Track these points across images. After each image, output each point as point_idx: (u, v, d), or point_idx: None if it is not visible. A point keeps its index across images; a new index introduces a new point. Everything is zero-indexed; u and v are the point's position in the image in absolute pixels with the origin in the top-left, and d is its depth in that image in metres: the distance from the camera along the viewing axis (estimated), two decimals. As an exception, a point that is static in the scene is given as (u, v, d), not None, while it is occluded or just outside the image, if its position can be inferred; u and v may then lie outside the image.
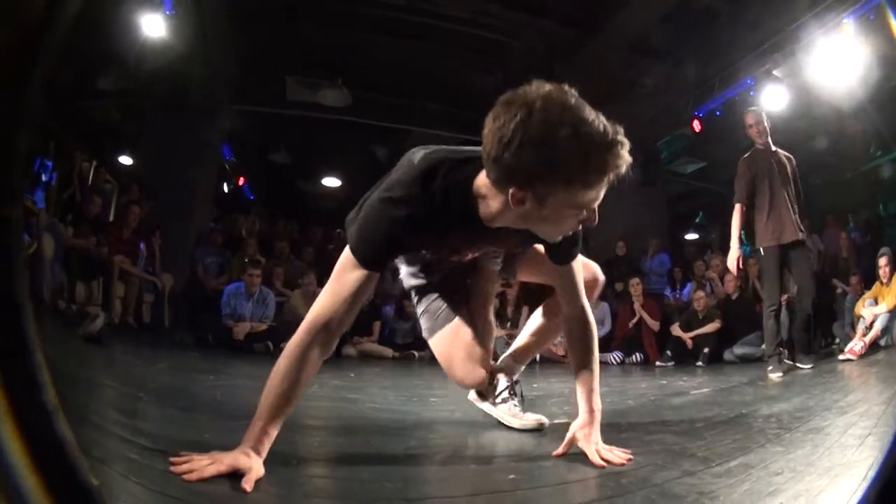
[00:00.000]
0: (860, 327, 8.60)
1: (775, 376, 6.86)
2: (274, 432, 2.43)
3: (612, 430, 3.21)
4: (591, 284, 3.25)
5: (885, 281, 8.77)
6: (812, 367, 7.23)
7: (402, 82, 12.71)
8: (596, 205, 2.32)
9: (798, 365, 7.44)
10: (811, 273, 7.71)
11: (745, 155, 7.62)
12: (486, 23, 11.75)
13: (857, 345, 8.21)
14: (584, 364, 2.89)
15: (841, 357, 8.19)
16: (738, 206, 7.38)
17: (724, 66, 11.52)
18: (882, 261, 8.84)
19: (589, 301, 2.98)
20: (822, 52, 9.35)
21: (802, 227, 7.33)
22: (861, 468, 2.37)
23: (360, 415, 4.09)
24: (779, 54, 10.22)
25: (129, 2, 9.33)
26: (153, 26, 9.54)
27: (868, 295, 8.95)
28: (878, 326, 8.40)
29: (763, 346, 8.23)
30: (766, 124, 7.55)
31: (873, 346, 8.31)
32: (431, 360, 9.24)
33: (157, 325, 9.66)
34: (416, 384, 6.66)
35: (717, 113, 11.92)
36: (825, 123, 10.97)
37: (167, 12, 9.60)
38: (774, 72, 10.35)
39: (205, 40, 10.59)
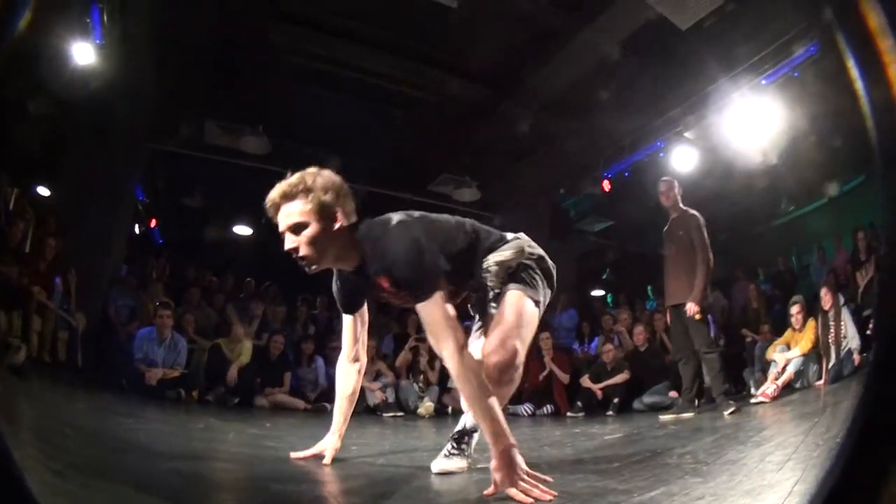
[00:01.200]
0: (772, 371, 9.00)
1: (666, 418, 7.66)
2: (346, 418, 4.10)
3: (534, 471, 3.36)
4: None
5: (797, 327, 9.20)
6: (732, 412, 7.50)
7: (321, 132, 12.77)
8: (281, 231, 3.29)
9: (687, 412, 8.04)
10: (700, 327, 8.07)
11: (665, 226, 8.37)
12: (404, 79, 11.94)
13: (769, 388, 8.60)
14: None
15: (753, 401, 8.58)
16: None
17: (636, 127, 11.87)
18: (795, 308, 9.28)
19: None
20: (736, 113, 9.77)
21: (700, 303, 7.84)
22: (784, 486, 2.56)
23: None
24: (691, 116, 10.62)
25: (62, 28, 9.14)
26: (82, 54, 9.38)
27: (779, 341, 9.38)
28: (790, 370, 8.82)
29: (674, 396, 8.72)
30: (675, 191, 8.06)
31: (786, 389, 8.68)
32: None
33: (72, 363, 9.36)
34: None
35: (626, 174, 12.27)
36: (734, 182, 11.35)
37: (97, 41, 9.46)
38: (686, 133, 10.74)
39: (129, 74, 10.43)
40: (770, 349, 9.42)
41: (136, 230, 15.50)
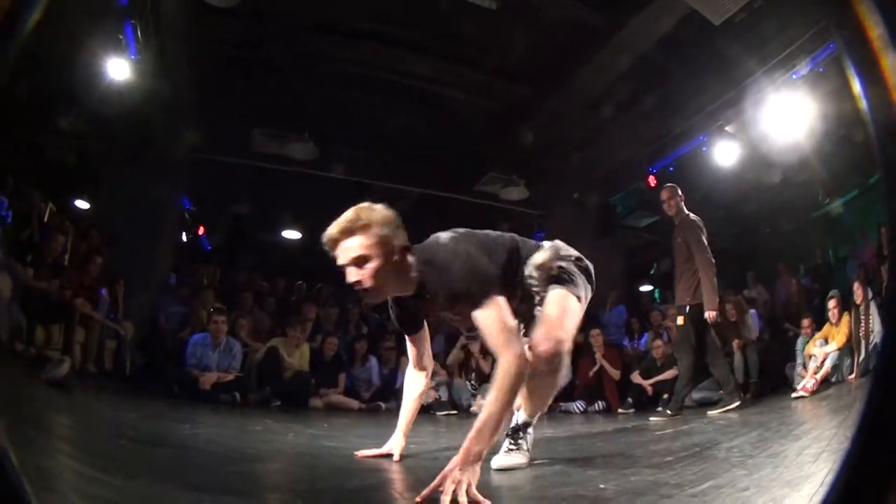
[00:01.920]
0: (811, 366, 8.97)
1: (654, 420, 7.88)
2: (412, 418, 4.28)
3: (589, 467, 3.45)
4: None
5: (834, 321, 9.17)
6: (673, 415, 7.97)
7: (366, 137, 12.86)
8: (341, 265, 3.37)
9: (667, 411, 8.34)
10: (682, 336, 8.30)
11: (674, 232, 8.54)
12: (448, 81, 12.00)
13: (808, 382, 8.62)
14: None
15: (794, 395, 8.60)
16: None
17: (679, 122, 11.87)
18: (831, 302, 9.25)
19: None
20: (772, 107, 9.73)
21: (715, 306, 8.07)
22: (818, 476, 2.65)
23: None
24: (731, 111, 10.58)
25: (94, 43, 9.25)
26: (117, 70, 9.43)
27: (818, 336, 9.33)
28: (828, 364, 8.81)
29: (720, 391, 8.76)
30: (678, 199, 8.15)
31: (825, 383, 8.67)
32: (398, 411, 9.33)
33: (120, 372, 9.46)
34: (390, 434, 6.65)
35: (670, 169, 12.21)
36: (774, 175, 11.28)
37: (132, 56, 9.52)
38: (727, 128, 10.71)
39: (169, 87, 10.53)
40: (810, 343, 9.41)
41: (184, 238, 15.75)
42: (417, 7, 10.42)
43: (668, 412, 8.24)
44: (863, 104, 1.30)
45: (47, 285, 8.68)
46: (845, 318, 9.11)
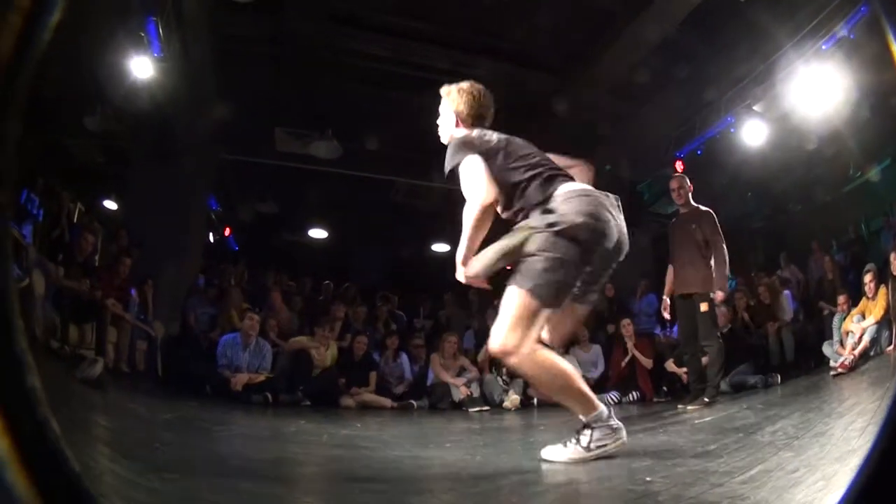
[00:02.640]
0: (849, 342, 8.84)
1: (690, 407, 7.64)
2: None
3: (633, 461, 3.37)
4: None
5: (870, 296, 9.03)
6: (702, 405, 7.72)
7: (390, 133, 12.84)
8: None
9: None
10: (707, 320, 8.10)
11: (673, 220, 8.56)
12: (469, 73, 11.93)
13: (847, 358, 8.53)
14: None
15: (833, 373, 8.49)
16: (669, 266, 8.47)
17: (704, 104, 11.74)
18: (867, 277, 9.11)
19: None
20: (801, 81, 9.59)
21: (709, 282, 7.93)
22: (865, 449, 2.57)
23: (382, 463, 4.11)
24: (758, 88, 10.45)
25: (117, 42, 9.27)
26: (141, 68, 9.45)
27: (855, 311, 9.19)
28: (866, 339, 8.68)
29: (758, 376, 8.96)
30: (687, 188, 8.10)
31: (863, 358, 8.55)
32: (431, 409, 9.27)
33: (152, 373, 9.54)
34: (425, 432, 6.66)
35: (698, 152, 12.10)
36: (804, 152, 11.16)
37: (156, 55, 9.49)
38: (754, 107, 10.58)
39: (192, 86, 10.62)
40: (847, 320, 9.26)
41: (211, 239, 15.83)
42: (438, 1, 10.40)
43: (706, 399, 8.13)
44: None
45: (78, 285, 8.71)
46: (882, 291, 8.95)
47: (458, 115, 4.24)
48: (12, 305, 1.13)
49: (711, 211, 8.10)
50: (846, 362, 8.50)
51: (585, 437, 3.63)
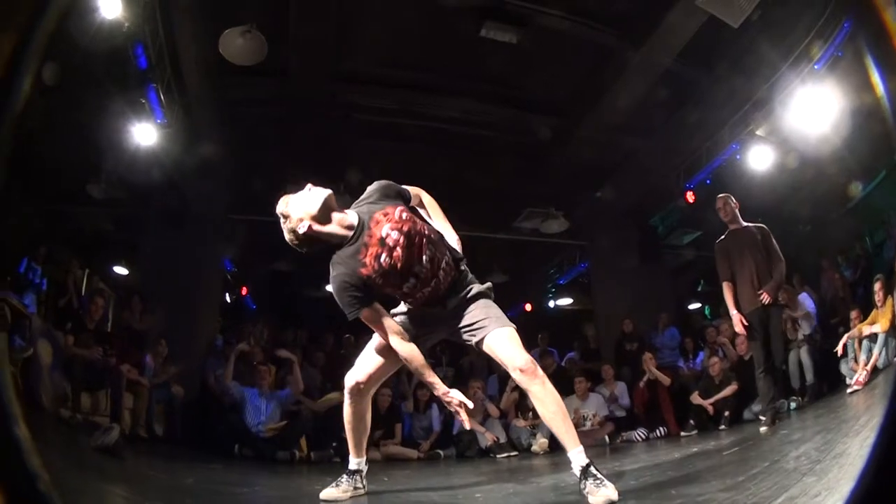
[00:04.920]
0: (861, 358, 8.78)
1: (763, 430, 7.28)
2: None
3: (663, 499, 3.37)
4: None
5: (880, 305, 8.96)
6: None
7: (401, 183, 12.90)
8: None
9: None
10: (778, 334, 8.06)
11: (720, 238, 8.28)
12: (474, 120, 12.04)
13: (860, 374, 8.47)
14: None
15: (849, 391, 8.44)
16: (725, 284, 8.04)
17: (709, 134, 11.78)
18: (876, 286, 9.07)
19: None
20: (798, 102, 9.64)
21: (773, 293, 7.79)
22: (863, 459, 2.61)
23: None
24: (759, 113, 10.49)
25: (118, 109, 9.34)
26: (144, 135, 9.54)
27: (866, 322, 9.11)
28: (875, 351, 8.60)
29: (781, 401, 8.61)
30: (732, 206, 8.10)
31: (875, 372, 8.50)
32: (459, 458, 9.23)
33: (171, 436, 9.52)
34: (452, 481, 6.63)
35: (707, 182, 12.11)
36: (808, 172, 11.17)
37: (158, 121, 9.59)
38: (757, 132, 10.62)
39: (199, 150, 10.67)
40: (857, 333, 9.20)
41: (228, 299, 15.84)
42: (440, 50, 10.51)
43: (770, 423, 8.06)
44: (881, 92, 1.26)
45: (90, 352, 8.66)
46: (889, 300, 8.90)
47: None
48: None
49: (763, 225, 8.14)
50: (860, 379, 8.46)
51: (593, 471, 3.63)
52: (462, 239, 4.30)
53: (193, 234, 11.51)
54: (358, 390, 4.51)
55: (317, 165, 11.92)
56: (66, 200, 11.49)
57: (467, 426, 4.04)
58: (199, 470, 6.91)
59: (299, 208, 4.02)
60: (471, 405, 3.99)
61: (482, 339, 3.94)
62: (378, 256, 3.92)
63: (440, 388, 4.02)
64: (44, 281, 10.02)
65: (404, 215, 4.04)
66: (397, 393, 11.00)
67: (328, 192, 4.03)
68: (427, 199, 4.37)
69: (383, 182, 4.25)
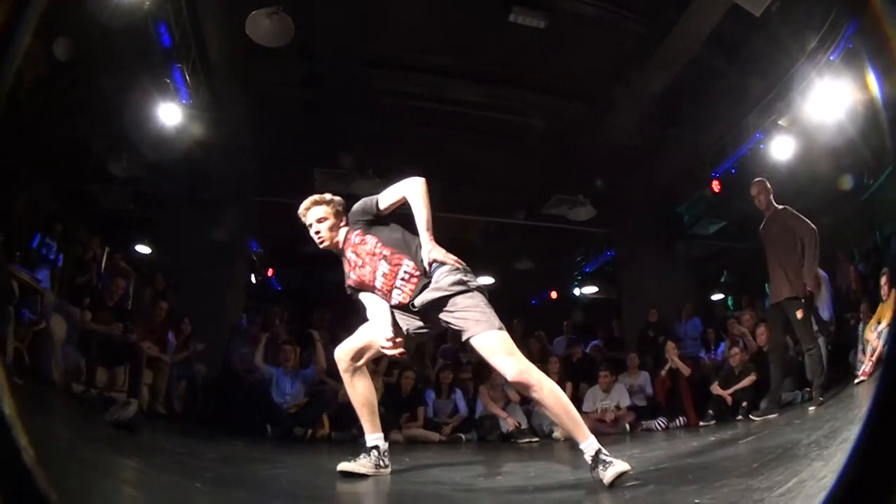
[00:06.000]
0: (868, 349, 8.77)
1: (812, 409, 7.53)
2: None
3: (681, 484, 3.41)
4: None
5: (885, 299, 8.93)
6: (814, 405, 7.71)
7: (430, 168, 12.92)
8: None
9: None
10: (802, 325, 8.11)
11: (762, 225, 8.34)
12: (503, 106, 12.04)
13: (866, 366, 8.42)
14: None
15: (856, 381, 8.44)
16: None
17: (734, 124, 11.75)
18: (882, 280, 9.02)
19: None
20: (815, 92, 9.60)
21: (799, 283, 7.94)
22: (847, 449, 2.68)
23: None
24: (781, 103, 10.45)
25: (143, 89, 9.43)
26: (169, 115, 9.61)
27: (874, 318, 9.08)
28: (880, 344, 8.57)
29: (796, 392, 8.98)
30: (767, 192, 8.10)
31: (879, 362, 8.51)
32: (480, 443, 9.26)
33: (191, 413, 9.53)
34: (476, 464, 6.63)
35: (732, 171, 12.07)
36: (826, 163, 11.11)
37: (183, 101, 9.71)
38: (780, 122, 10.58)
39: (226, 131, 10.81)
40: (867, 328, 9.18)
41: (253, 280, 15.96)
42: (469, 34, 10.50)
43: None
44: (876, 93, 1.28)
45: (108, 328, 8.70)
46: (893, 293, 8.88)
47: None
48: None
49: (787, 206, 8.12)
50: (866, 370, 8.45)
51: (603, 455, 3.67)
52: (487, 225, 4.39)
53: (218, 214, 11.54)
54: (353, 365, 4.75)
55: (344, 150, 11.99)
56: (88, 178, 11.55)
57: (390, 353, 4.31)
58: (220, 446, 6.87)
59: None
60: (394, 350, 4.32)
61: (469, 341, 4.00)
62: (349, 274, 4.66)
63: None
64: (59, 257, 10.06)
65: (357, 239, 4.57)
66: (420, 377, 11.04)
67: None
68: (414, 194, 4.35)
69: (354, 207, 4.69)
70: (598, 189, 14.13)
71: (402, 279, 4.28)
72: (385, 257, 4.36)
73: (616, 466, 3.54)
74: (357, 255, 4.52)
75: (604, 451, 3.68)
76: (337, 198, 4.89)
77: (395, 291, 4.31)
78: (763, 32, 9.47)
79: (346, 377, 4.76)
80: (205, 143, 10.51)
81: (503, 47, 10.77)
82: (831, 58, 9.23)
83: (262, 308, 13.20)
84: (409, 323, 4.43)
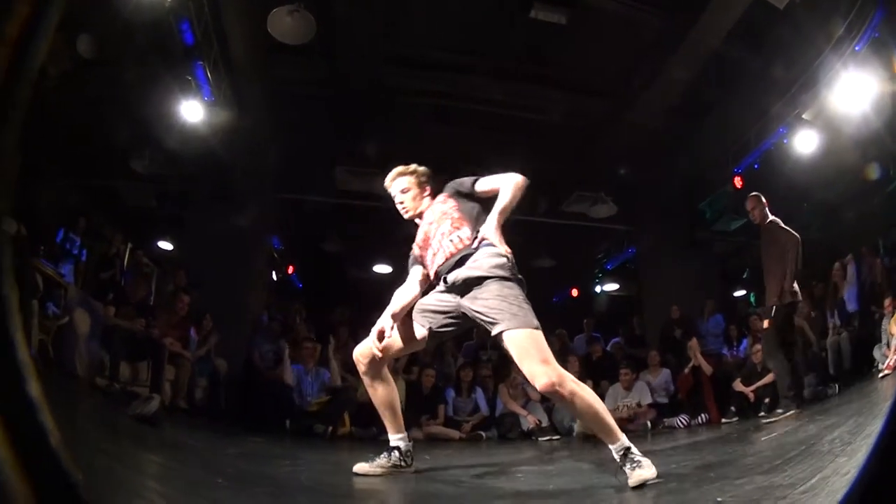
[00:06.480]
0: (893, 344, 8.71)
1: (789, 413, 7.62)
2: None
3: (703, 482, 3.40)
4: None
5: None
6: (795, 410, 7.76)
7: (449, 166, 12.93)
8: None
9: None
10: (765, 336, 8.47)
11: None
12: (523, 103, 12.02)
13: (891, 359, 8.39)
14: None
15: (880, 375, 8.46)
16: None
17: (757, 118, 11.70)
18: None
19: None
20: (841, 84, 9.53)
21: (791, 291, 8.05)
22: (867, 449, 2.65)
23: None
24: (805, 96, 10.39)
25: (165, 86, 9.48)
26: (191, 112, 9.65)
27: (894, 319, 9.05)
28: None
29: (818, 388, 9.17)
30: (761, 207, 8.34)
31: None
32: (500, 440, 9.23)
33: (213, 409, 9.52)
34: (496, 461, 6.54)
35: (755, 166, 12.01)
36: (851, 156, 11.04)
37: (206, 98, 9.75)
38: (804, 115, 10.51)
39: (247, 128, 10.83)
40: (892, 322, 9.12)
41: (275, 277, 15.98)
42: (490, 31, 10.49)
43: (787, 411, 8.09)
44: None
45: (131, 323, 8.74)
46: None
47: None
48: (12, 317, 1.20)
49: (777, 219, 8.24)
50: (890, 363, 8.42)
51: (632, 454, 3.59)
52: (508, 222, 4.32)
53: (240, 212, 11.48)
54: (373, 366, 4.58)
55: (364, 147, 12.00)
56: (111, 175, 11.62)
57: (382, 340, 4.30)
58: (241, 443, 6.89)
59: None
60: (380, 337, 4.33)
61: (499, 336, 3.78)
62: (417, 234, 4.69)
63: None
64: (83, 252, 10.14)
65: (441, 198, 4.70)
66: (441, 375, 11.04)
67: None
68: (508, 184, 4.35)
69: (453, 181, 4.74)
70: (619, 186, 14.10)
71: (451, 241, 4.29)
72: (453, 219, 4.41)
73: (644, 471, 3.45)
74: (433, 212, 4.60)
75: (634, 449, 3.59)
76: (421, 168, 4.94)
77: (439, 252, 4.34)
78: (788, 23, 9.42)
79: (365, 379, 4.62)
80: (227, 140, 10.53)
81: (524, 44, 10.75)
82: (857, 48, 9.17)
83: (282, 305, 13.23)
84: (434, 320, 4.35)
